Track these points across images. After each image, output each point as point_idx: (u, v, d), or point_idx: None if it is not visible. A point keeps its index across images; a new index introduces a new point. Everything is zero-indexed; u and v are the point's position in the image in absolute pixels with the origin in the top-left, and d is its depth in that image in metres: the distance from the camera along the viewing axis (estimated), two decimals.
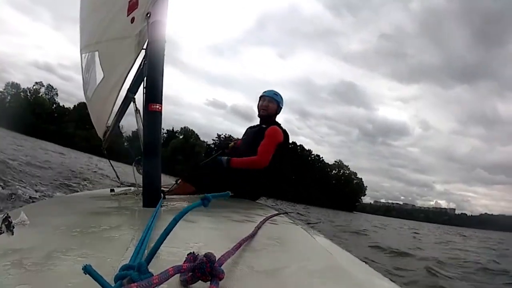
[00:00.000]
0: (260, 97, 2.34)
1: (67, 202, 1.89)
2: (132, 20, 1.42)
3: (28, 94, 53.98)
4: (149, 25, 1.33)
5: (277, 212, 1.48)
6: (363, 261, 0.82)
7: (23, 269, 0.52)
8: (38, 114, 48.84)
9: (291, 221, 1.31)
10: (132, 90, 1.87)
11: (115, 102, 1.76)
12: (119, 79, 1.60)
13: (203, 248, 0.66)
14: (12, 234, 0.53)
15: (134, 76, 1.81)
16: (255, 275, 0.56)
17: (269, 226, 1.04)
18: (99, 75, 1.78)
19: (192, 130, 61.49)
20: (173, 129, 60.96)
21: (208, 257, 0.46)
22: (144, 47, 1.45)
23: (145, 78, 1.33)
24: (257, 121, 2.39)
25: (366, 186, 76.73)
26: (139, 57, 1.53)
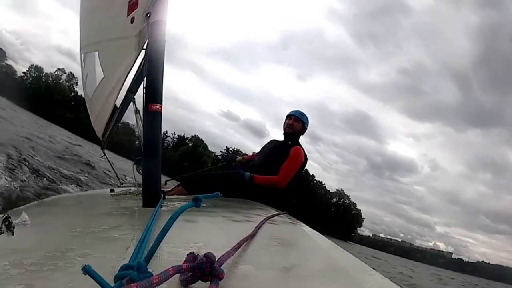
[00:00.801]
0: (287, 116, 2.38)
1: (67, 202, 1.89)
2: (132, 20, 1.42)
3: (50, 79, 53.98)
4: (149, 25, 1.33)
5: (277, 212, 1.48)
6: (363, 261, 0.82)
7: (23, 269, 0.53)
8: (57, 100, 48.63)
9: (291, 221, 1.31)
10: (132, 90, 1.87)
11: (115, 102, 1.76)
12: (119, 79, 1.60)
13: (203, 248, 0.66)
14: (13, 234, 0.54)
15: (134, 76, 1.81)
16: (255, 275, 0.56)
17: (269, 226, 1.04)
18: (99, 75, 1.78)
19: (201, 139, 62.34)
20: (184, 136, 62.01)
21: (208, 257, 0.46)
22: (144, 47, 1.45)
23: (145, 78, 1.33)
24: (267, 139, 2.47)
25: (364, 218, 77.89)
26: (139, 57, 1.53)
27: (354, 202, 75.44)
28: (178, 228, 0.51)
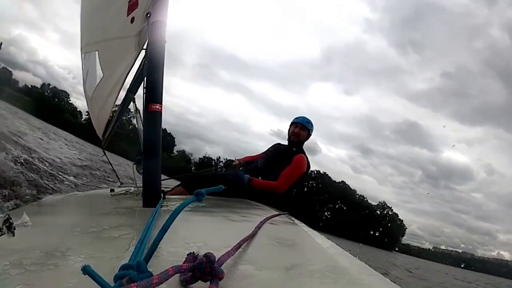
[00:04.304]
0: (292, 123, 2.37)
1: (67, 202, 1.89)
2: (132, 20, 1.42)
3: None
4: (149, 25, 1.33)
5: (277, 212, 1.48)
6: (363, 261, 0.82)
7: (23, 269, 0.53)
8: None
9: (291, 221, 1.31)
10: (132, 90, 1.87)
11: (115, 102, 1.76)
12: (119, 79, 1.60)
13: (203, 248, 0.66)
14: (13, 235, 0.54)
15: (134, 76, 1.81)
16: (255, 275, 0.56)
17: (269, 226, 1.04)
18: (99, 74, 1.78)
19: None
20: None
21: (208, 257, 0.46)
22: (144, 47, 1.45)
23: (145, 78, 1.33)
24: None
25: (406, 228, 79.66)
26: (139, 57, 1.53)
27: (396, 213, 77.65)
28: (178, 228, 0.51)
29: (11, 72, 61.93)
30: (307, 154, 2.28)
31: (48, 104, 53.01)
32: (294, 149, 2.28)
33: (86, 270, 0.38)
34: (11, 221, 0.55)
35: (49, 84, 64.45)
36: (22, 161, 5.05)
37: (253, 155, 2.63)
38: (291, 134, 2.33)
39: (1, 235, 0.53)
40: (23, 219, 0.58)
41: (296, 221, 1.36)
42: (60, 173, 5.59)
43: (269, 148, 2.46)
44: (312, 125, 2.36)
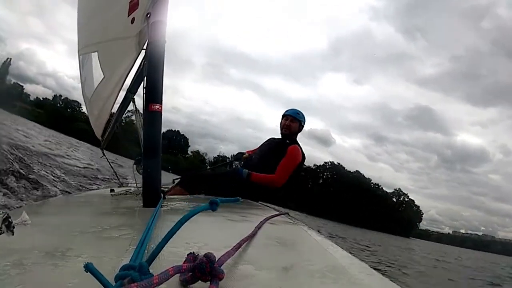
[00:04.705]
0: (283, 116, 2.37)
1: (68, 202, 1.89)
2: (133, 20, 1.42)
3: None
4: (149, 25, 1.33)
5: (277, 212, 1.48)
6: (363, 261, 0.82)
7: (23, 269, 0.53)
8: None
9: (291, 221, 1.31)
10: (132, 90, 1.87)
11: (115, 103, 1.76)
12: (119, 79, 1.60)
13: (203, 248, 0.66)
14: (13, 234, 0.53)
15: (134, 76, 1.81)
16: (255, 275, 0.56)
17: (269, 226, 1.04)
18: (99, 75, 1.77)
19: None
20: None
21: (208, 257, 0.46)
22: (144, 47, 1.46)
23: (145, 78, 1.33)
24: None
25: (422, 213, 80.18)
26: (139, 57, 1.53)
27: (412, 199, 78.29)
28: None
29: (22, 86, 63.52)
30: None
31: (61, 115, 54.75)
32: (287, 141, 2.29)
33: (88, 268, 0.38)
34: (10, 220, 0.55)
35: (60, 96, 66.52)
36: (23, 162, 5.06)
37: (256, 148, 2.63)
38: (282, 127, 2.34)
39: (1, 234, 0.53)
40: (23, 218, 0.58)
41: (296, 221, 1.36)
42: (62, 175, 5.61)
43: (264, 143, 2.46)
44: (302, 116, 2.37)
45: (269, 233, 0.93)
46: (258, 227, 0.87)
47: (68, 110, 60.83)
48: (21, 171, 4.43)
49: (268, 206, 1.90)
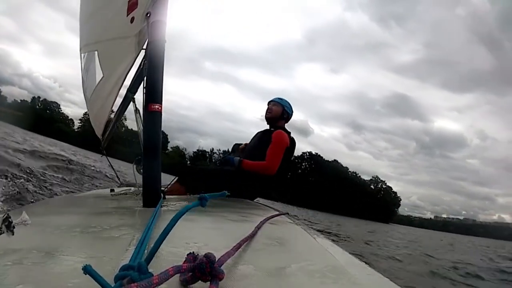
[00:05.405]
0: (267, 104, 2.42)
1: (68, 202, 1.89)
2: (132, 20, 1.41)
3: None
4: (149, 25, 1.33)
5: (277, 212, 1.48)
6: (363, 261, 0.82)
7: (23, 269, 0.53)
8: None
9: (291, 221, 1.31)
10: (132, 90, 1.87)
11: (114, 102, 1.76)
12: (118, 79, 1.60)
13: (203, 248, 0.66)
14: (13, 234, 0.53)
15: (134, 76, 1.81)
16: (255, 275, 0.56)
17: (269, 226, 1.04)
18: (99, 74, 1.77)
19: None
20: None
21: (208, 257, 0.46)
22: (144, 47, 1.45)
23: (145, 78, 1.33)
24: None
25: (400, 199, 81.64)
26: (139, 57, 1.53)
27: (390, 186, 79.95)
28: (178, 228, 0.51)
29: None
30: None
31: (40, 117, 54.65)
32: (272, 129, 2.32)
33: (87, 270, 0.38)
34: (10, 220, 0.55)
35: (39, 97, 66.59)
36: (22, 163, 5.06)
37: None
38: (265, 112, 2.38)
39: (1, 233, 0.53)
40: (23, 218, 0.58)
41: (296, 221, 1.36)
42: (58, 175, 5.61)
43: (253, 137, 2.49)
44: (287, 102, 2.39)
45: (269, 233, 0.93)
46: (258, 227, 0.87)
47: (47, 111, 60.74)
48: (20, 172, 4.43)
49: (268, 206, 1.91)
